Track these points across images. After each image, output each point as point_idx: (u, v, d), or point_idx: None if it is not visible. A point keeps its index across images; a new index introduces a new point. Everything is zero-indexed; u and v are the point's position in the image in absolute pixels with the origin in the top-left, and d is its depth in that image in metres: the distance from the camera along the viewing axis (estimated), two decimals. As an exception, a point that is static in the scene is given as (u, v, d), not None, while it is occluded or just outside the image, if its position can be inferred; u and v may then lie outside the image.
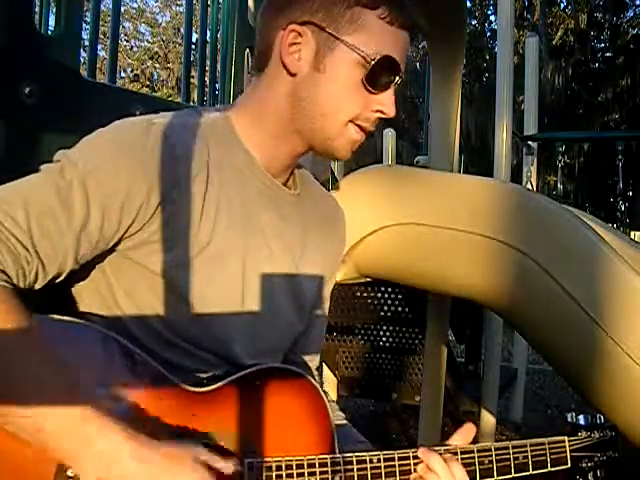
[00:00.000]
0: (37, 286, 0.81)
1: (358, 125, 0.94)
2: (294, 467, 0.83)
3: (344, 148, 0.95)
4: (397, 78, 0.93)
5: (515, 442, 0.96)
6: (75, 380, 0.76)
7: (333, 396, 2.81)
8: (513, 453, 0.95)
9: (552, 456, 0.98)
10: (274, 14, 0.93)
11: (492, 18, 15.61)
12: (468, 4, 13.89)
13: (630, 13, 14.40)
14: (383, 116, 0.94)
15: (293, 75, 0.92)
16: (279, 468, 0.83)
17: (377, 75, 0.91)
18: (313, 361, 1.12)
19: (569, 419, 1.03)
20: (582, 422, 1.02)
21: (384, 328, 2.79)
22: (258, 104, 0.96)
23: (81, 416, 0.73)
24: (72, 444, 0.72)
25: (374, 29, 0.90)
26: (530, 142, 4.34)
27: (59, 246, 0.80)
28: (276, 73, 0.94)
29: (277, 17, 0.92)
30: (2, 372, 0.72)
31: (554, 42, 14.16)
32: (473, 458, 0.93)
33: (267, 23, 0.95)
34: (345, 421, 1.09)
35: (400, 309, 2.65)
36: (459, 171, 4.16)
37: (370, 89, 0.91)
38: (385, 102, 0.93)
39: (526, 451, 0.96)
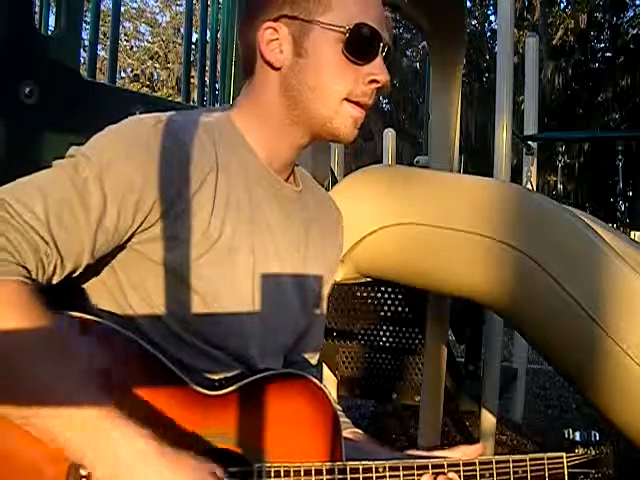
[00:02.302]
0: (55, 280, 0.81)
1: (356, 102, 0.93)
2: (302, 473, 0.84)
3: (346, 127, 0.94)
4: (382, 44, 0.93)
5: (515, 456, 0.98)
6: (92, 381, 0.75)
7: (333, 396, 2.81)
8: (513, 467, 0.97)
9: (550, 471, 1.00)
10: (250, 20, 0.96)
11: (492, 18, 15.64)
12: (468, 4, 13.89)
13: (630, 13, 14.41)
14: (377, 85, 0.93)
15: (279, 69, 0.93)
16: (287, 474, 0.83)
17: (356, 44, 0.91)
18: (312, 359, 1.12)
19: (566, 435, 1.05)
20: (578, 438, 1.04)
21: (384, 328, 2.79)
22: (254, 106, 0.97)
23: (100, 416, 0.73)
24: (90, 445, 0.72)
25: (342, 2, 0.91)
26: (530, 142, 4.34)
27: (77, 240, 0.80)
28: (263, 73, 0.95)
29: (252, 21, 0.95)
30: (22, 373, 0.73)
31: (554, 42, 14.17)
32: (475, 471, 0.95)
33: (245, 29, 0.97)
34: (345, 418, 1.10)
35: (400, 309, 2.65)
36: (459, 171, 4.16)
37: (354, 60, 0.91)
38: (375, 70, 0.92)
39: (525, 465, 0.98)
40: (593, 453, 1.02)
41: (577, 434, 1.04)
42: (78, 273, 0.84)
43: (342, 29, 0.90)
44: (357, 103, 0.93)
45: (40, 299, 0.76)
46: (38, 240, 0.77)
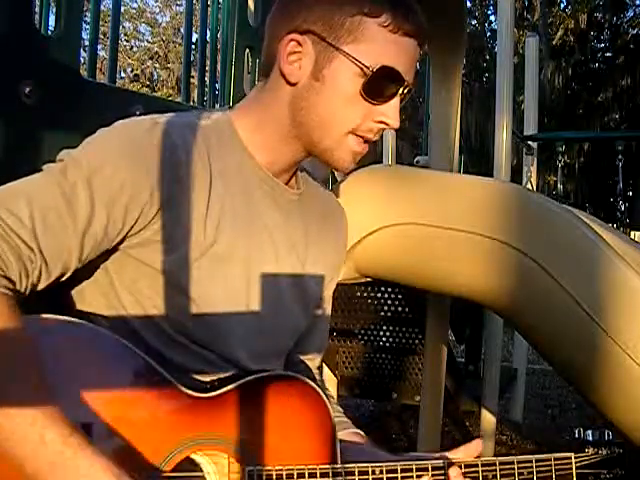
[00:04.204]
0: (40, 286, 0.80)
1: (360, 136, 0.92)
2: (295, 476, 0.83)
3: (344, 159, 0.93)
4: (402, 89, 0.90)
5: (520, 457, 0.95)
6: (55, 404, 0.72)
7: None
8: (518, 468, 0.94)
9: (557, 472, 0.96)
10: (278, 23, 0.93)
11: (492, 18, 15.61)
12: (468, 4, 13.87)
13: (630, 13, 14.39)
14: (386, 127, 0.92)
15: (293, 84, 0.91)
16: (279, 477, 0.82)
17: (376, 86, 0.89)
18: (314, 360, 1.12)
19: (577, 434, 1.01)
20: (590, 438, 1.01)
21: (384, 328, 2.79)
22: (260, 110, 0.96)
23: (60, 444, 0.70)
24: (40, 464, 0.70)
25: (375, 38, 0.88)
26: (530, 142, 4.34)
27: (63, 245, 0.80)
28: (277, 81, 0.93)
29: (280, 26, 0.92)
30: None
31: (554, 42, 14.15)
32: (477, 472, 0.92)
33: (271, 31, 0.94)
34: (345, 418, 1.09)
35: (400, 309, 2.64)
36: (459, 171, 4.15)
37: (370, 100, 0.89)
38: (388, 113, 0.90)
39: (531, 466, 0.95)
40: (604, 453, 0.99)
41: (589, 433, 1.01)
42: (68, 276, 0.83)
43: (366, 67, 0.87)
44: (361, 137, 0.92)
45: (18, 311, 0.75)
46: (21, 246, 0.76)
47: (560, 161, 4.92)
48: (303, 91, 0.91)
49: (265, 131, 0.95)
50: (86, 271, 0.88)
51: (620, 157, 4.52)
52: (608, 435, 1.01)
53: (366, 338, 2.85)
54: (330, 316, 1.15)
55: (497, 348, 3.03)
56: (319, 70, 0.89)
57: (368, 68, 0.88)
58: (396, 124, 0.92)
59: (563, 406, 4.39)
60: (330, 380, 2.88)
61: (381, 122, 0.91)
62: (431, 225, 1.45)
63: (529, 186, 4.22)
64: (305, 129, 0.92)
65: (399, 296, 2.61)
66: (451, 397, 2.80)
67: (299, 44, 0.90)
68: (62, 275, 0.82)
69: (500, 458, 0.94)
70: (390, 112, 0.91)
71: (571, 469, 0.98)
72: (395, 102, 0.91)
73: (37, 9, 2.23)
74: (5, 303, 0.75)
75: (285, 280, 0.98)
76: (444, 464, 0.91)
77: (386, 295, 2.64)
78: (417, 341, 2.73)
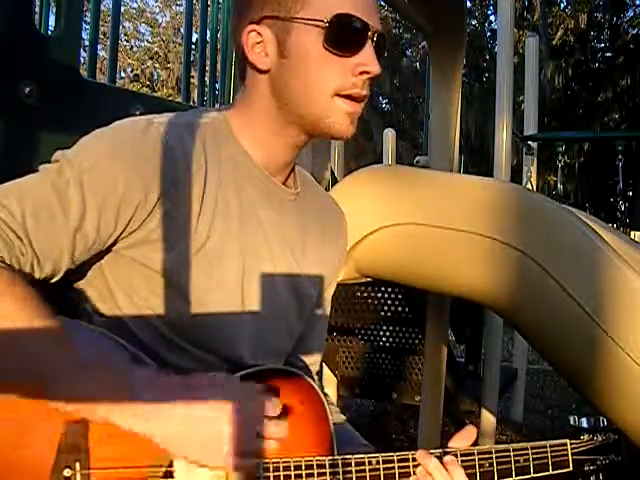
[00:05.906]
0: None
1: (348, 96, 0.91)
2: (292, 468, 0.83)
3: (341, 123, 0.92)
4: (370, 33, 0.90)
5: (516, 445, 0.95)
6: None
7: (333, 396, 2.81)
8: (514, 456, 0.94)
9: (554, 459, 0.96)
10: (236, 24, 0.95)
11: (492, 18, 15.61)
12: (468, 4, 13.88)
13: (630, 13, 14.40)
14: (368, 76, 0.90)
15: (266, 72, 0.92)
16: (276, 469, 0.82)
17: (339, 36, 0.88)
18: (314, 364, 1.11)
19: (572, 422, 1.01)
20: (585, 425, 1.01)
21: (384, 328, 2.79)
22: (247, 109, 0.96)
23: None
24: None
25: None
26: (530, 142, 4.34)
27: (54, 242, 0.80)
28: (253, 76, 0.94)
29: (238, 26, 0.94)
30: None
31: (554, 42, 14.15)
32: (473, 461, 0.92)
33: (234, 33, 0.96)
34: (348, 425, 1.09)
35: (400, 309, 2.65)
36: (459, 171, 4.16)
37: (337, 52, 0.88)
38: (364, 60, 0.89)
39: (527, 454, 0.95)
40: (600, 439, 0.99)
41: (584, 420, 1.01)
42: (60, 276, 0.83)
43: (321, 22, 0.87)
44: (349, 97, 0.91)
45: (21, 278, 0.77)
46: (13, 237, 0.77)
47: (560, 161, 4.92)
48: (277, 74, 0.92)
49: (256, 128, 0.95)
50: (83, 274, 0.88)
51: (620, 157, 4.53)
52: (603, 422, 1.01)
53: (366, 338, 2.85)
54: (328, 317, 1.14)
55: (497, 348, 3.03)
56: (283, 47, 0.90)
57: (323, 22, 0.88)
58: (376, 69, 0.90)
59: (563, 406, 4.39)
60: (330, 380, 2.88)
61: (362, 72, 0.90)
62: (431, 225, 1.45)
63: (529, 186, 4.22)
64: (292, 108, 0.92)
65: (399, 296, 2.61)
66: (451, 397, 2.80)
67: (259, 34, 0.91)
68: (54, 274, 0.82)
69: (496, 446, 0.94)
70: (365, 59, 0.89)
71: (567, 456, 0.98)
72: (367, 48, 0.90)
73: (37, 9, 2.23)
74: (11, 275, 0.76)
75: (280, 278, 0.98)
76: (440, 453, 0.91)
77: (386, 295, 2.64)
78: (417, 341, 2.73)
